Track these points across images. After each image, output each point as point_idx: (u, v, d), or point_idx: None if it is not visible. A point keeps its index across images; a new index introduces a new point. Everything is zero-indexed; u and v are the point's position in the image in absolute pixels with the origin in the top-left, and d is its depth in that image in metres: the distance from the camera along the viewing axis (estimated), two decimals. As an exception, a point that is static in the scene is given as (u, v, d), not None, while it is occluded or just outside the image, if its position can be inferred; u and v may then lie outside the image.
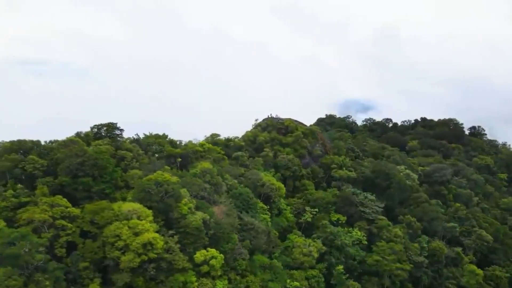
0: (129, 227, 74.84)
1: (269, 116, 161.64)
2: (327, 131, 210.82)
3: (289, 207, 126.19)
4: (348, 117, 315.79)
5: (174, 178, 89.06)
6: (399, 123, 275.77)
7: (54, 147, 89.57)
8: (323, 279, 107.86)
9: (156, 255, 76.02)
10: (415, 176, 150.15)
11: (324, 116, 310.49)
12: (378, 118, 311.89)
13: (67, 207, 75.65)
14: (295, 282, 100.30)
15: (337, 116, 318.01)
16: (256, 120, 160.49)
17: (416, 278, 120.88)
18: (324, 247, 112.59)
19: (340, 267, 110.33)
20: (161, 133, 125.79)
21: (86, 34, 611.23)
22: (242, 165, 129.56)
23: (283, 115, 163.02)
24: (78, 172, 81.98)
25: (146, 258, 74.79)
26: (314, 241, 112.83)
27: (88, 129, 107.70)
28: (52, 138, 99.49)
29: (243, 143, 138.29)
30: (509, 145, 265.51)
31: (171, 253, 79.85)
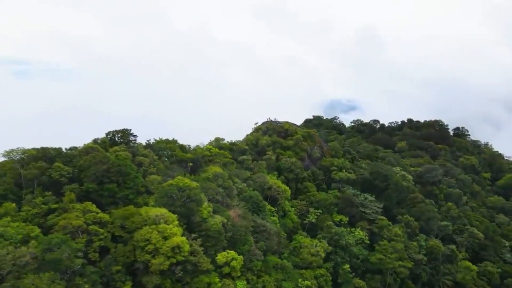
0: (158, 231, 78.49)
1: (268, 120, 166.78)
2: (317, 132, 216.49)
3: (293, 208, 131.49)
4: (335, 118, 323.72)
5: (194, 183, 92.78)
6: (386, 124, 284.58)
7: (76, 154, 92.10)
8: (330, 278, 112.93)
9: (183, 258, 79.94)
10: (410, 177, 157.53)
11: (310, 117, 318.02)
12: (361, 118, 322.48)
13: (97, 213, 78.75)
14: (306, 281, 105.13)
15: (324, 117, 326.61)
16: (256, 123, 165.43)
17: (416, 275, 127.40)
18: (329, 247, 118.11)
19: (347, 266, 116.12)
20: (157, 134, 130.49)
21: (70, 34, 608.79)
22: (247, 169, 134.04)
23: (267, 116, 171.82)
24: (104, 178, 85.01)
25: (174, 260, 78.63)
26: (320, 242, 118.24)
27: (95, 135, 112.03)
28: (45, 139, 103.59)
29: (246, 147, 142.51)
30: (491, 145, 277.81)
31: (195, 256, 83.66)
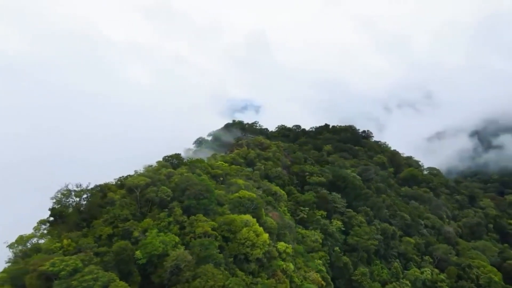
0: (253, 231, 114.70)
1: (244, 135, 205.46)
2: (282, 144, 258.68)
3: (285, 208, 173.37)
4: (255, 122, 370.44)
5: (253, 194, 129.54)
6: (307, 129, 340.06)
7: (164, 178, 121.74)
8: (328, 258, 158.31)
9: (267, 249, 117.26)
10: (359, 177, 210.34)
11: (220, 120, 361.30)
12: (257, 118, 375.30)
13: (211, 221, 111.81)
14: (318, 261, 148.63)
15: (245, 122, 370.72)
16: (236, 140, 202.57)
17: (377, 250, 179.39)
18: (322, 235, 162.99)
19: (337, 248, 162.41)
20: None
21: None
22: (248, 178, 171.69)
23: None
24: (199, 196, 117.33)
25: (264, 251, 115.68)
26: (316, 231, 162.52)
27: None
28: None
29: (242, 160, 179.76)
30: (388, 144, 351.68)
31: (269, 247, 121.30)
